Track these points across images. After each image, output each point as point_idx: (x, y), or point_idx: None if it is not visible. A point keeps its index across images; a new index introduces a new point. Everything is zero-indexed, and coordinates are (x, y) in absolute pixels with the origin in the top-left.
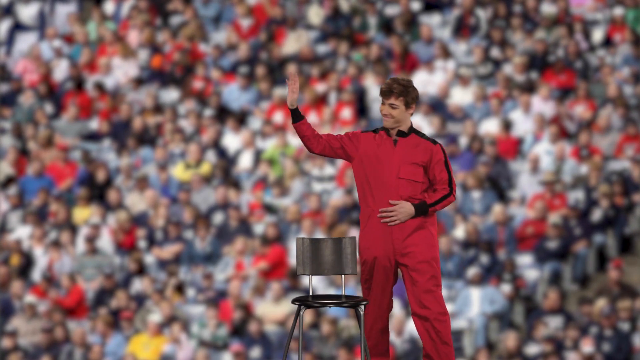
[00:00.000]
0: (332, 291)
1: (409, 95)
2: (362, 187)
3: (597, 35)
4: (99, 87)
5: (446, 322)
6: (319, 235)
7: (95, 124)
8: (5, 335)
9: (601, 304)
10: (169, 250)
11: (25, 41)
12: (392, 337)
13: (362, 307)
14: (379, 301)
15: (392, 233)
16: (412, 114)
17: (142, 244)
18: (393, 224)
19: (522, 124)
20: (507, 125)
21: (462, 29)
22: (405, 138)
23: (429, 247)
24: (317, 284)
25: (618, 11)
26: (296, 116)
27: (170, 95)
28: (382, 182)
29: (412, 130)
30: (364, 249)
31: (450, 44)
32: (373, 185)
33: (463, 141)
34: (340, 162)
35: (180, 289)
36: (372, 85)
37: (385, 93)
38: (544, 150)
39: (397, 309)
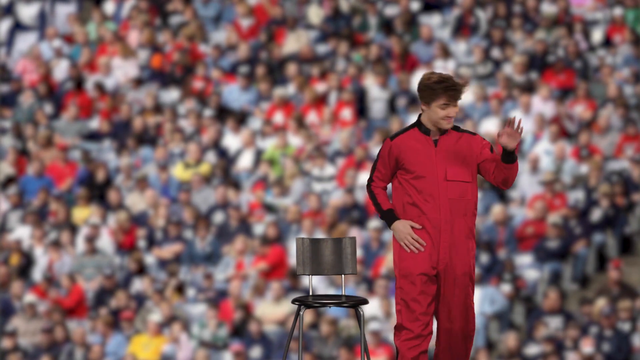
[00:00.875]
0: (332, 291)
1: None
2: (406, 192)
3: (597, 35)
4: (99, 87)
5: (472, 338)
6: (319, 235)
7: (95, 124)
8: (5, 335)
9: (601, 304)
10: (169, 250)
11: (25, 41)
12: (392, 337)
13: (362, 307)
14: (420, 319)
15: (441, 240)
16: None
17: (142, 244)
18: (516, 141)
19: (522, 124)
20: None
21: (462, 29)
22: (445, 135)
23: (471, 259)
24: (317, 284)
25: (618, 11)
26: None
27: (170, 95)
28: (429, 187)
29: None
30: (407, 256)
31: (450, 44)
32: (419, 189)
33: None
34: (340, 162)
35: (180, 289)
36: (372, 85)
37: (458, 96)
38: (544, 150)
39: None
